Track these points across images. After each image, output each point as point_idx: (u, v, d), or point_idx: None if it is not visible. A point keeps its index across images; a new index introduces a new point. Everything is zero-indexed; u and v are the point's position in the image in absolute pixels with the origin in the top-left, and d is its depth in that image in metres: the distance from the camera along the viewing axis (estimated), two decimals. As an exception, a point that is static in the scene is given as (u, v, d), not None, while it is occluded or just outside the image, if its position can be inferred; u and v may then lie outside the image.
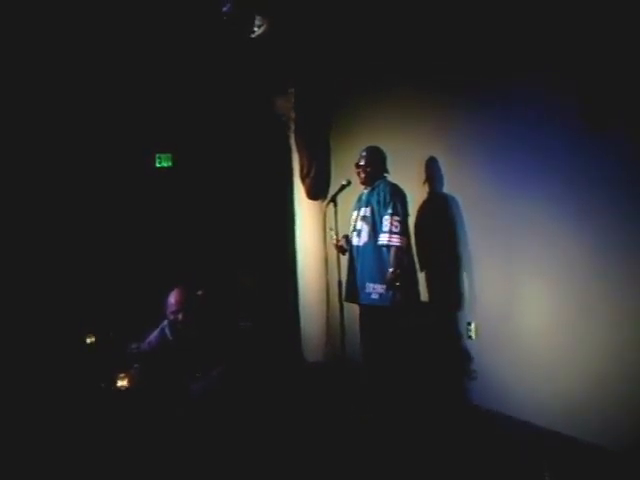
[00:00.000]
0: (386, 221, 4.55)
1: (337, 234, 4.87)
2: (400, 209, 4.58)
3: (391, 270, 4.46)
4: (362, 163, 4.81)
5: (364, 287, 4.62)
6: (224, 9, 5.29)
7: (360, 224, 4.74)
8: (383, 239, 4.53)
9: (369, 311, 4.66)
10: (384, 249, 4.55)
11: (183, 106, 6.69)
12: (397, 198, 4.62)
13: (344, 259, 4.84)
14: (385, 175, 4.81)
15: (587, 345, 3.73)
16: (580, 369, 3.77)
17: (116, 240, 6.54)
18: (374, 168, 4.78)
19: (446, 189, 4.86)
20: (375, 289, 4.55)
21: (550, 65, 3.89)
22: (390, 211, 4.55)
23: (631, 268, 3.49)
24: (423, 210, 5.00)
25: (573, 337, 3.83)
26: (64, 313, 5.86)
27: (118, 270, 6.38)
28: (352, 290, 4.76)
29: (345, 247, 4.86)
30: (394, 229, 4.51)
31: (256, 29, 5.60)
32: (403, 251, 4.54)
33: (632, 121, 3.44)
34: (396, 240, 4.50)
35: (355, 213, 4.84)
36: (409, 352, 4.63)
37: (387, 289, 4.48)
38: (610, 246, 3.60)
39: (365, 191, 4.84)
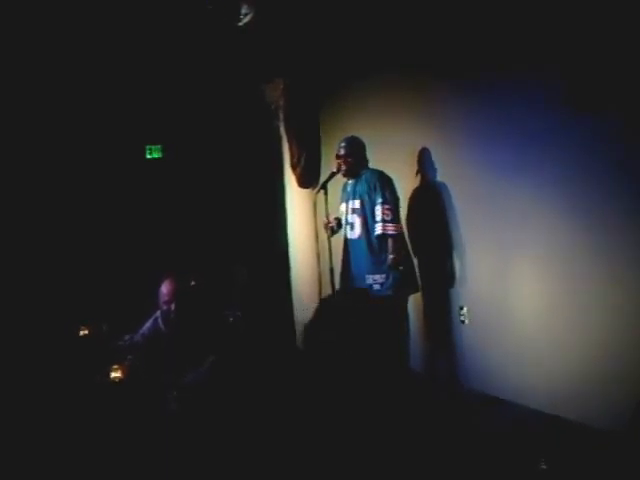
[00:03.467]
0: (378, 211, 4.57)
1: (328, 215, 4.88)
2: (389, 196, 4.60)
3: (391, 257, 4.50)
4: (342, 153, 4.78)
5: (363, 279, 4.61)
6: (208, -2, 5.27)
7: (352, 217, 4.74)
8: (378, 229, 4.55)
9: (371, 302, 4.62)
10: (378, 239, 4.56)
11: (172, 97, 6.66)
12: (385, 185, 4.63)
13: (336, 246, 4.84)
14: (366, 163, 4.81)
15: (580, 328, 3.74)
16: (574, 352, 3.78)
17: (107, 232, 6.53)
18: (355, 158, 4.77)
19: (436, 175, 4.87)
20: (375, 280, 4.56)
21: (537, 50, 3.88)
22: (380, 200, 4.57)
23: (623, 249, 3.49)
24: (414, 197, 5.00)
25: (566, 320, 3.84)
26: (57, 305, 5.84)
27: (110, 262, 6.36)
28: (350, 284, 4.74)
29: (335, 229, 4.87)
30: (386, 217, 4.54)
31: (243, 17, 5.57)
32: (399, 238, 4.58)
33: (618, 102, 3.44)
34: (391, 229, 4.54)
35: (344, 205, 4.83)
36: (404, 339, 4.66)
37: (387, 277, 4.50)
38: (602, 227, 3.60)
39: (350, 182, 4.83)
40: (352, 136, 4.89)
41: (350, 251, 4.76)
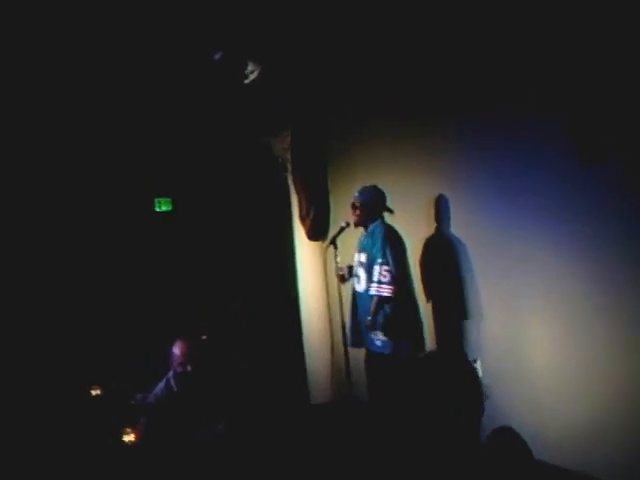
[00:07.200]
0: (375, 271, 4.54)
1: (337, 263, 4.92)
2: (391, 256, 4.55)
3: (369, 318, 4.51)
4: (355, 204, 4.77)
5: (368, 333, 4.62)
6: (215, 57, 5.37)
7: (358, 270, 4.75)
8: (373, 290, 4.55)
9: (374, 357, 4.65)
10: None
11: (182, 151, 6.75)
12: (387, 243, 4.58)
13: (347, 301, 4.84)
14: (383, 216, 4.77)
15: (595, 381, 3.72)
16: (588, 405, 3.76)
17: (117, 286, 6.54)
18: (367, 210, 4.71)
19: (448, 226, 4.87)
20: (377, 335, 4.56)
21: (546, 103, 3.94)
22: (380, 260, 4.54)
23: (634, 300, 3.50)
24: (426, 248, 5.00)
25: (580, 373, 3.83)
26: (68, 365, 5.83)
27: (120, 320, 6.36)
28: (357, 335, 4.75)
29: (346, 277, 4.86)
30: (382, 279, 4.52)
31: (249, 75, 5.67)
32: (388, 300, 4.53)
33: (625, 155, 3.48)
34: (385, 290, 4.51)
35: (356, 257, 4.84)
36: (412, 396, 4.61)
37: (389, 338, 4.49)
38: (612, 279, 3.63)
39: (364, 233, 4.83)
40: (368, 187, 4.81)
41: (357, 303, 4.77)
